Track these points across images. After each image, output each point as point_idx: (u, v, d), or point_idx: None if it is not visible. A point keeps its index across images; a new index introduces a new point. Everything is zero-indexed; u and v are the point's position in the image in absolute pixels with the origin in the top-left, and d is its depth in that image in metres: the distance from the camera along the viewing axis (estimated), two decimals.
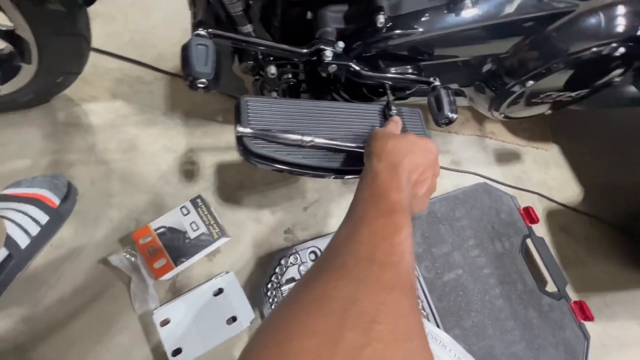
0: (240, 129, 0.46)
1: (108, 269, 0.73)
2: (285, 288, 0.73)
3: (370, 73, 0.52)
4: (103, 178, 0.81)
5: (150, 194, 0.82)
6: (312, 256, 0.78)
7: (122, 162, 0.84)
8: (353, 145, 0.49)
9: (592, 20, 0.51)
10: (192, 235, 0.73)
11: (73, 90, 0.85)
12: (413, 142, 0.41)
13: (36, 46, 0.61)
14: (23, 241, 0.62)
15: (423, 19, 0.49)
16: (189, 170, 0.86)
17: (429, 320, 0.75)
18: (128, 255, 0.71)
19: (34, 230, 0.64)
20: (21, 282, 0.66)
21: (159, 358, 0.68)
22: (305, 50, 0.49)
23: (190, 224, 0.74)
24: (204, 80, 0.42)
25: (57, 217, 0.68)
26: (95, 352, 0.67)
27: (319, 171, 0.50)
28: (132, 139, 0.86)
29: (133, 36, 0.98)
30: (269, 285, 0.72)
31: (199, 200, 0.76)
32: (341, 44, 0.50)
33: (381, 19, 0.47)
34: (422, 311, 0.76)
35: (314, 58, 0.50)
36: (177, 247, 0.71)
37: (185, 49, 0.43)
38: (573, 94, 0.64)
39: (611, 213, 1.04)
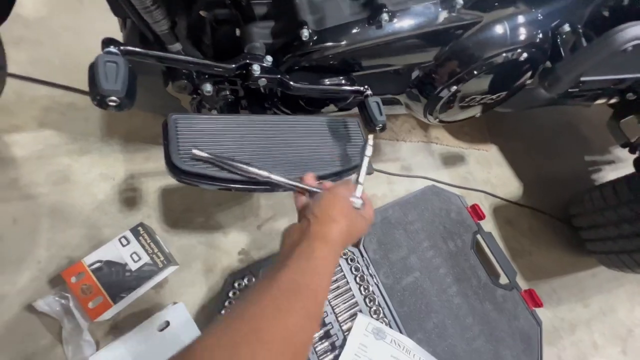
0: (171, 149, 0.44)
1: (35, 317, 0.65)
2: None
3: (301, 85, 0.53)
4: (28, 215, 0.73)
5: (84, 227, 0.75)
6: None
7: (51, 195, 0.76)
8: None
9: (497, 30, 0.57)
10: (134, 267, 0.67)
11: None
12: (354, 217, 0.43)
13: None
14: None
15: (346, 32, 0.51)
16: (129, 197, 0.80)
17: (391, 327, 0.75)
18: (57, 298, 0.63)
19: None
20: None
21: None
22: (233, 66, 0.49)
23: (131, 254, 0.68)
24: (114, 98, 0.40)
25: None
26: None
27: (258, 185, 0.49)
28: (64, 169, 0.80)
29: (64, 61, 0.92)
30: (223, 312, 0.68)
31: (140, 228, 0.71)
32: (269, 58, 0.51)
33: (305, 33, 0.48)
34: (384, 319, 0.75)
35: (243, 72, 0.50)
36: (115, 282, 0.65)
37: (92, 67, 0.40)
38: (494, 96, 0.70)
39: (549, 204, 1.12)
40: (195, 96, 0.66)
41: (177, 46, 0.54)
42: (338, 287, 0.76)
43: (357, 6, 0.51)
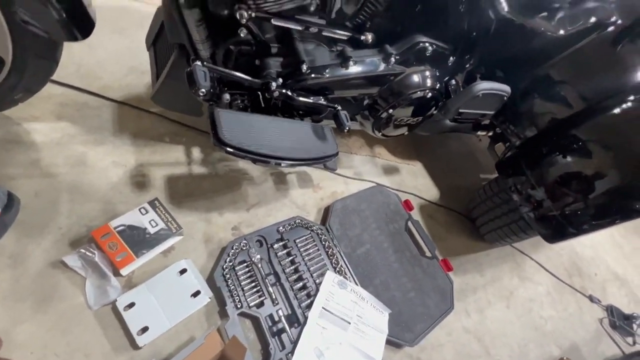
0: (218, 130, 0.67)
1: (59, 272, 0.76)
2: (238, 268, 0.88)
3: (298, 99, 0.81)
4: (49, 190, 0.85)
5: (101, 202, 0.88)
6: (258, 244, 0.96)
7: (70, 175, 0.89)
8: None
9: (414, 78, 0.94)
10: (152, 230, 0.83)
11: (12, 110, 0.88)
12: None
13: (10, 65, 0.70)
14: None
15: (327, 70, 0.82)
16: (140, 181, 0.96)
17: (351, 282, 1.00)
18: (83, 253, 0.75)
19: None
20: None
21: (123, 345, 0.71)
22: (259, 81, 0.76)
23: (150, 221, 0.84)
24: (203, 90, 0.64)
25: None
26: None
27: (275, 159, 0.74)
28: (80, 155, 0.93)
29: (78, 68, 1.08)
30: (224, 267, 0.86)
31: (156, 201, 0.88)
32: (280, 80, 0.78)
33: (304, 67, 0.78)
34: (345, 276, 1.01)
35: (264, 87, 0.77)
36: (137, 241, 0.80)
37: (191, 73, 0.64)
38: (414, 119, 1.07)
39: (458, 204, 1.53)
40: (212, 103, 0.90)
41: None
42: (311, 254, 1.00)
43: (335, 55, 0.83)
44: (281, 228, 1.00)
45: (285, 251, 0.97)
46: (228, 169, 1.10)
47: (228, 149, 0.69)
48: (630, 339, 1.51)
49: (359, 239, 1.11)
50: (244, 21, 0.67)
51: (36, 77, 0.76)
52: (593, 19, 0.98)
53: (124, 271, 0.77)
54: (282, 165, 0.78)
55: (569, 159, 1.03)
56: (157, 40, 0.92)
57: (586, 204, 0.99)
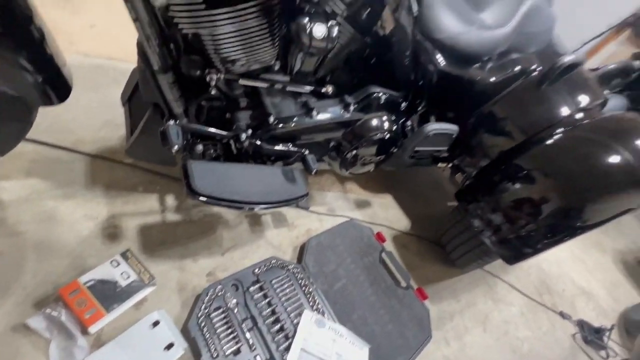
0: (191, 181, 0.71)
1: (20, 336, 0.72)
2: (214, 315, 0.88)
3: (267, 147, 0.88)
4: (14, 249, 0.83)
5: (70, 257, 0.87)
6: (234, 288, 0.97)
7: (37, 232, 0.88)
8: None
9: (374, 123, 1.04)
10: (124, 283, 0.82)
11: None
12: None
13: None
14: None
15: (294, 120, 0.90)
16: (111, 233, 0.96)
17: (329, 320, 1.01)
18: (50, 311, 0.73)
19: None
20: None
21: None
22: (231, 134, 0.82)
23: (121, 274, 0.84)
24: (176, 147, 0.68)
25: None
26: None
27: (248, 204, 0.78)
28: (50, 210, 0.93)
29: (51, 124, 1.10)
30: (199, 315, 0.86)
31: (128, 252, 0.88)
32: (250, 131, 0.85)
33: (272, 119, 0.86)
34: (323, 313, 1.01)
35: (235, 138, 0.83)
36: (107, 296, 0.79)
37: (165, 132, 0.69)
38: (377, 157, 1.16)
39: (429, 232, 1.61)
40: (185, 153, 0.95)
41: (185, 121, 0.85)
42: (288, 294, 1.01)
43: (300, 106, 0.92)
44: (257, 270, 1.01)
45: (261, 293, 0.98)
46: (202, 214, 1.12)
47: (201, 198, 0.73)
48: (603, 352, 1.57)
49: (335, 275, 1.14)
50: (213, 84, 0.75)
51: (8, 140, 0.78)
52: (518, 67, 1.15)
53: (93, 328, 0.74)
54: (256, 209, 0.82)
55: (517, 185, 1.14)
56: (132, 98, 0.98)
57: (537, 225, 1.09)
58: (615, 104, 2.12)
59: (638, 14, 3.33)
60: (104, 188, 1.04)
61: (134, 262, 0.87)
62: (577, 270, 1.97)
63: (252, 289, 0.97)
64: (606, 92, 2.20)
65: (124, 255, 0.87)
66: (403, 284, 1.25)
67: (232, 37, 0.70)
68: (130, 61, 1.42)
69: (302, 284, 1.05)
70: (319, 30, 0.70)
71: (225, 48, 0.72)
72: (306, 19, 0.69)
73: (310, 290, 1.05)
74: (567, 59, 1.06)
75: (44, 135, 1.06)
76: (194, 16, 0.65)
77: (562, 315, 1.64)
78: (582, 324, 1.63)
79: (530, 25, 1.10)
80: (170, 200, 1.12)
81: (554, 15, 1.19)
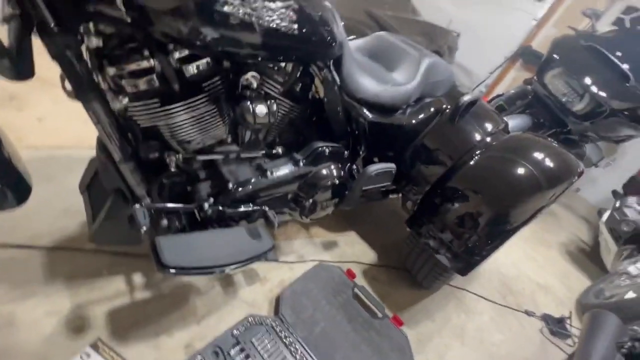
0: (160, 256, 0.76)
1: None
2: None
3: (230, 211, 0.96)
4: None
5: None
6: (214, 355, 0.96)
7: None
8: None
9: (324, 173, 1.17)
10: None
11: None
12: None
13: None
14: None
15: (251, 182, 1.00)
16: (78, 325, 0.93)
17: None
18: None
19: None
20: None
21: None
22: (193, 205, 0.89)
23: None
24: (145, 227, 0.74)
25: None
26: None
27: (218, 267, 0.83)
28: (7, 316, 0.89)
29: (2, 223, 1.07)
30: None
31: (98, 342, 0.86)
32: (211, 200, 0.93)
33: (230, 185, 0.95)
34: None
35: (198, 209, 0.90)
36: None
37: (132, 216, 0.75)
38: (333, 201, 1.28)
39: (394, 260, 1.71)
40: (151, 230, 0.99)
41: (149, 201, 0.91)
42: (270, 349, 1.03)
43: (254, 169, 1.03)
44: (235, 332, 1.02)
45: (243, 354, 0.98)
46: (173, 286, 1.13)
47: (172, 270, 0.77)
48: (569, 340, 1.71)
49: (312, 320, 1.17)
50: (173, 165, 0.84)
51: None
52: (432, 109, 1.40)
53: None
54: (226, 270, 0.87)
55: (455, 205, 1.32)
56: (91, 185, 1.02)
57: (478, 235, 1.25)
58: (520, 122, 2.55)
59: (523, 47, 4.12)
60: (65, 279, 1.02)
61: (105, 350, 0.85)
62: (531, 268, 2.18)
63: (232, 352, 0.97)
64: (510, 115, 2.64)
65: (93, 346, 0.85)
66: (379, 314, 1.32)
67: (186, 123, 0.81)
68: (81, 147, 1.47)
69: (283, 336, 1.07)
70: (260, 110, 0.83)
71: (181, 133, 0.82)
72: (248, 103, 0.83)
73: (291, 340, 1.07)
74: (466, 98, 1.32)
75: None
76: (151, 112, 0.76)
77: (527, 313, 1.78)
78: (545, 318, 1.79)
79: (433, 76, 1.37)
80: (138, 278, 1.11)
81: (450, 67, 1.49)
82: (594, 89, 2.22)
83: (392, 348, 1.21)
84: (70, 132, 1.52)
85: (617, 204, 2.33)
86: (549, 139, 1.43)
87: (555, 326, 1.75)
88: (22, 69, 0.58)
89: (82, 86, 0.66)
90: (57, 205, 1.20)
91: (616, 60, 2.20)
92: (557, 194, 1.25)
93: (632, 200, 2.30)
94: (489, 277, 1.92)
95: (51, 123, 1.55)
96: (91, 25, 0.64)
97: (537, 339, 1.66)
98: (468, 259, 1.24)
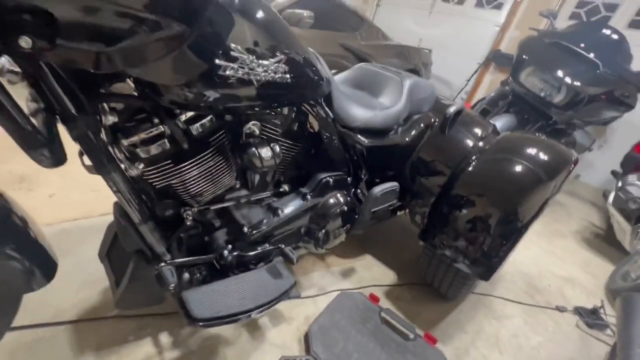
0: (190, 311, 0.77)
1: None
2: None
3: (248, 254, 0.98)
4: None
5: None
6: None
7: None
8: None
9: (332, 201, 1.22)
10: None
11: None
12: None
13: None
14: None
15: (264, 223, 1.04)
16: None
17: None
18: None
19: None
20: None
21: None
22: (213, 255, 0.92)
23: None
24: (173, 285, 0.76)
25: None
26: None
27: (244, 314, 0.84)
28: None
29: (25, 303, 1.07)
30: None
31: None
32: (230, 246, 0.96)
33: (245, 229, 0.98)
34: None
35: (219, 257, 0.93)
36: None
37: (160, 275, 0.77)
38: (344, 227, 1.31)
39: (415, 276, 1.70)
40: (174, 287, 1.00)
41: (169, 257, 0.94)
42: None
43: (266, 210, 1.07)
44: None
45: None
46: (200, 340, 1.12)
47: (201, 323, 0.78)
48: (608, 330, 1.66)
49: (345, 351, 1.15)
50: (190, 219, 0.87)
51: None
52: (422, 124, 1.47)
53: None
54: (252, 315, 0.87)
55: (464, 211, 1.34)
56: (110, 251, 1.04)
57: (492, 237, 1.26)
58: (506, 122, 2.64)
59: (492, 51, 4.35)
60: (94, 351, 1.01)
61: None
62: (551, 262, 2.16)
63: None
64: (495, 116, 2.74)
65: None
66: (410, 336, 1.29)
67: (198, 178, 0.86)
68: (91, 216, 1.50)
69: None
70: (266, 153, 0.89)
71: (194, 188, 0.86)
72: (253, 149, 0.88)
73: None
74: (452, 109, 1.40)
75: (18, 319, 1.03)
76: (166, 173, 0.81)
77: (559, 309, 1.74)
78: (579, 311, 1.74)
79: (417, 94, 1.46)
80: (164, 338, 1.10)
81: (431, 83, 1.58)
82: (568, 80, 2.34)
83: None
84: (81, 204, 1.57)
85: (620, 184, 2.36)
86: (537, 134, 1.49)
87: (590, 318, 1.70)
88: (58, 155, 0.63)
89: (101, 161, 0.71)
90: (76, 278, 1.21)
91: (582, 52, 2.34)
92: (558, 185, 1.28)
93: (632, 177, 2.33)
94: (512, 279, 1.90)
95: (62, 197, 1.60)
96: (105, 104, 0.71)
97: (576, 334, 1.61)
98: (487, 262, 1.24)
